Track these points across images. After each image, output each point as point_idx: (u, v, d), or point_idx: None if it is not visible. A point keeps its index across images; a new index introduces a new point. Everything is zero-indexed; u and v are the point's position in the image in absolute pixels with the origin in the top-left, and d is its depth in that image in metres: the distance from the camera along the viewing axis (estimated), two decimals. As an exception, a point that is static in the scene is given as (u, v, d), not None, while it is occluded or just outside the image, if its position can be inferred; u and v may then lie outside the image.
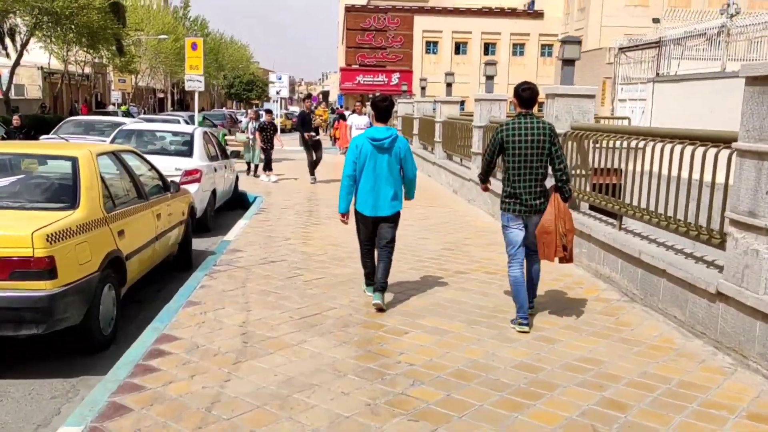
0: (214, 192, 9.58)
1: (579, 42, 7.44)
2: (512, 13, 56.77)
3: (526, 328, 4.86)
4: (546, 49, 56.83)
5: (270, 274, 6.26)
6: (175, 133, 9.67)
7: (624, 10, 47.54)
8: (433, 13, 57.24)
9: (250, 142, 13.81)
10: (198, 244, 8.59)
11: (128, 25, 35.55)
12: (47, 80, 38.13)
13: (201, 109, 57.94)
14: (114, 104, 44.02)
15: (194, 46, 14.09)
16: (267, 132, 13.35)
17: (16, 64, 29.22)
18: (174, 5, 55.62)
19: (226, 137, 19.06)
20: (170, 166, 8.71)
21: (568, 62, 7.85)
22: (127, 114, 37.52)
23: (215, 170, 9.69)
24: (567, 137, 7.45)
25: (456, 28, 55.97)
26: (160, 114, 35.60)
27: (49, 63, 36.25)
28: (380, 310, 5.18)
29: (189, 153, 9.14)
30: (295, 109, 69.50)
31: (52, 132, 12.98)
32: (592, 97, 7.59)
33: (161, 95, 60.42)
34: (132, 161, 6.17)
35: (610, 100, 30.79)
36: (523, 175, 4.88)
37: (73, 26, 27.71)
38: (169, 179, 6.70)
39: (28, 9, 25.12)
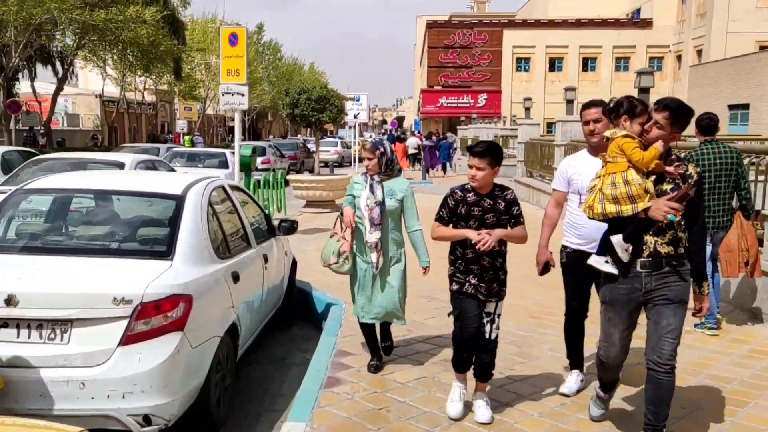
0: (233, 330, 4.04)
1: (652, 72, 8.04)
2: (615, 23, 50.27)
3: (716, 331, 5.26)
4: (656, 63, 49.70)
5: None
6: (141, 196, 4.15)
7: (755, 14, 40.31)
8: (524, 27, 51.43)
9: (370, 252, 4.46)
10: None
11: (190, 45, 31.64)
12: (104, 108, 34.79)
13: (273, 137, 54.22)
14: (181, 133, 40.45)
15: (233, 39, 8.77)
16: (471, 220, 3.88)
17: (59, 90, 25.54)
18: (249, 31, 52.42)
19: (286, 177, 13.75)
20: (102, 294, 3.23)
21: (644, 91, 7.84)
22: (191, 145, 33.60)
23: (236, 278, 4.15)
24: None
25: (550, 42, 49.98)
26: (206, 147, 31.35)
27: (102, 89, 32.79)
28: None
29: (165, 250, 3.66)
30: (371, 135, 64.76)
31: (3, 182, 8.02)
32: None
33: (232, 123, 57.09)
34: None
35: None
36: (713, 196, 5.25)
37: (119, 43, 23.65)
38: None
39: (67, 22, 21.13)
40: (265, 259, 5.00)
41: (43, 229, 3.98)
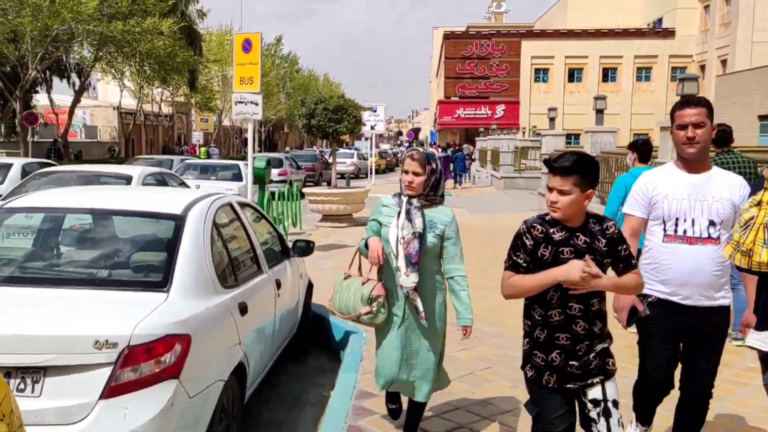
0: (240, 370, 3.51)
1: (696, 79, 7.43)
2: (636, 33, 49.64)
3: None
4: (678, 73, 48.83)
5: None
6: (136, 216, 3.57)
7: (781, 22, 39.46)
8: (542, 37, 50.93)
9: None
10: None
11: (206, 57, 31.50)
12: (122, 120, 34.73)
13: (291, 149, 53.99)
14: (196, 144, 40.30)
15: (247, 45, 8.32)
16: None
17: (76, 102, 25.44)
18: (267, 43, 52.55)
19: (302, 190, 13.27)
20: (81, 336, 2.71)
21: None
22: (207, 156, 33.41)
23: (243, 310, 3.62)
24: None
25: (569, 53, 49.50)
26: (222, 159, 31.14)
27: (120, 101, 32.75)
28: None
29: (160, 280, 3.15)
30: (387, 147, 64.26)
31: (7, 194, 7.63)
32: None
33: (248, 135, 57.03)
34: None
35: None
36: None
37: (136, 55, 23.48)
38: None
39: (84, 34, 20.96)
40: (278, 285, 4.47)
41: (19, 255, 3.48)
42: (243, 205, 4.52)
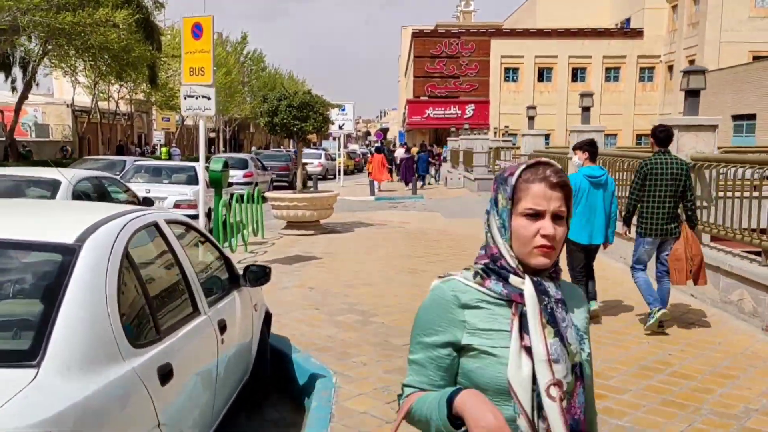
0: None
1: (703, 72, 7.11)
2: (605, 33, 49.84)
3: (665, 311, 5.45)
4: (646, 73, 49.37)
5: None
6: (6, 248, 2.57)
7: (747, 23, 40.01)
8: (512, 36, 50.65)
9: None
10: None
11: (166, 52, 30.00)
12: (78, 119, 32.91)
13: (259, 149, 52.40)
14: (158, 144, 38.60)
15: (197, 30, 7.14)
16: None
17: (23, 98, 23.74)
18: (233, 39, 51.00)
19: (264, 194, 12.16)
20: None
21: (693, 94, 7.18)
22: (168, 157, 31.93)
23: (166, 376, 2.59)
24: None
25: (539, 52, 49.44)
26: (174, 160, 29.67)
27: (73, 98, 31.00)
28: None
29: (28, 348, 2.12)
30: (356, 147, 63.21)
31: None
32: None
33: (212, 134, 55.32)
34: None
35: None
36: (662, 204, 5.51)
37: (89, 49, 21.99)
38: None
39: (31, 25, 19.42)
40: (222, 329, 3.43)
41: None
42: (174, 223, 3.46)
